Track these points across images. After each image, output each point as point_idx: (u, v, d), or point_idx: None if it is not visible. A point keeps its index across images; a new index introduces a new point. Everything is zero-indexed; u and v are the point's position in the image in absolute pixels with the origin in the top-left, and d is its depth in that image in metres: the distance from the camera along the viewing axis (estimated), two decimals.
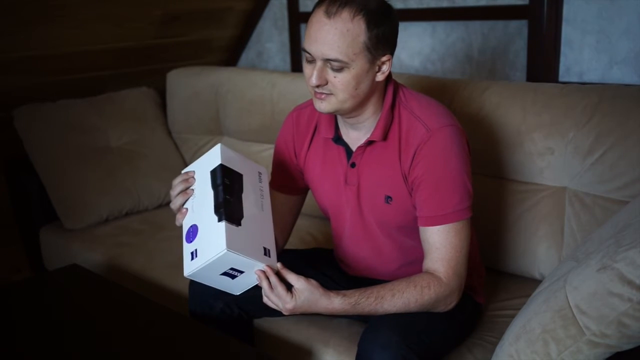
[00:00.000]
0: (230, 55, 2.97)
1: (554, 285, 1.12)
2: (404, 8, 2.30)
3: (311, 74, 1.24)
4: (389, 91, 1.34)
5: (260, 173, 1.34)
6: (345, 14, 1.19)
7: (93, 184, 2.27)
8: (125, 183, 2.34)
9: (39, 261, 2.36)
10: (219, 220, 1.18)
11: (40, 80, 2.38)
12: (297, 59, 2.73)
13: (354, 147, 1.38)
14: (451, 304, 1.30)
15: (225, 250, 1.14)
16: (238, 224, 1.20)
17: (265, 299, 1.26)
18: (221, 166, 1.24)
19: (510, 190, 1.70)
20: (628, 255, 0.98)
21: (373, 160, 1.36)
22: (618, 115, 1.52)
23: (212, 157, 1.27)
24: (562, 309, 1.04)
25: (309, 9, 2.73)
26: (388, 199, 1.35)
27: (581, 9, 1.91)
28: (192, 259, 1.20)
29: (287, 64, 2.80)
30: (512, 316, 1.25)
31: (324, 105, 1.27)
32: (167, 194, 2.43)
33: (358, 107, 1.30)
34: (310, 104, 1.47)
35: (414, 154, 1.29)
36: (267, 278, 1.23)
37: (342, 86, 1.23)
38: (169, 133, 2.60)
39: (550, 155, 1.61)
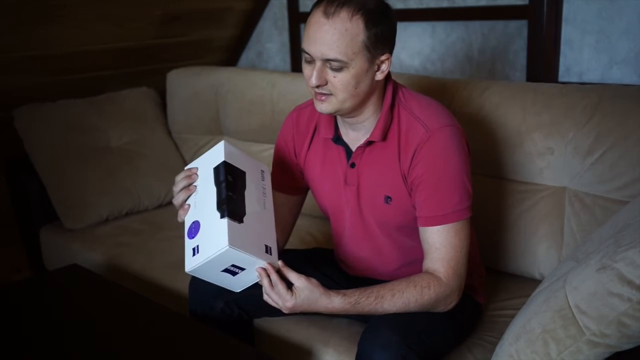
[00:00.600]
0: (230, 55, 2.97)
1: (554, 285, 1.13)
2: (404, 8, 2.30)
3: (311, 74, 1.24)
4: (388, 91, 1.34)
5: (262, 171, 1.35)
6: (344, 14, 1.19)
7: (93, 184, 2.27)
8: (125, 183, 2.34)
9: (39, 261, 2.36)
10: (221, 216, 1.18)
11: (40, 80, 2.38)
12: (297, 59, 2.73)
13: (353, 148, 1.38)
14: (451, 304, 1.30)
15: (227, 247, 1.14)
16: (240, 221, 1.20)
17: (265, 297, 1.26)
18: (224, 163, 1.24)
19: (510, 190, 1.70)
20: (628, 255, 0.98)
21: (372, 161, 1.36)
22: (618, 115, 1.52)
23: (216, 154, 1.27)
24: (562, 308, 1.05)
25: (309, 9, 2.72)
26: (388, 199, 1.35)
27: (581, 9, 1.91)
28: (194, 254, 1.20)
29: (287, 64, 2.80)
30: (512, 316, 1.25)
31: (324, 107, 1.27)
32: (167, 194, 2.43)
33: (358, 107, 1.30)
34: (310, 104, 1.47)
35: (414, 154, 1.29)
36: (268, 276, 1.23)
37: (341, 86, 1.23)
38: (169, 133, 2.60)
39: (550, 155, 1.61)
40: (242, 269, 1.22)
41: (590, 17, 1.90)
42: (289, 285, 1.25)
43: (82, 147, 2.30)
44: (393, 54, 1.40)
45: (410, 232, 1.37)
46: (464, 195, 1.28)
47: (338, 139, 1.40)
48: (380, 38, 1.22)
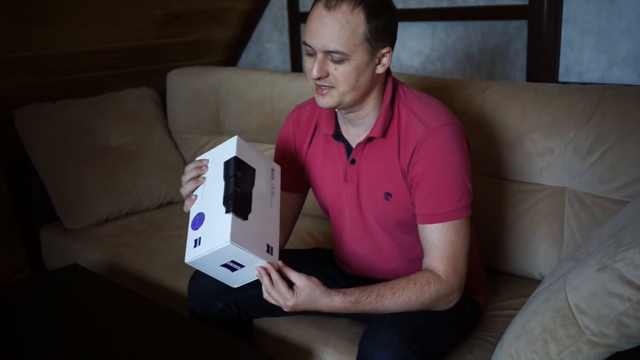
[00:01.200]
0: (230, 55, 2.97)
1: (554, 285, 1.13)
2: (404, 8, 2.30)
3: (312, 66, 1.24)
4: (388, 87, 1.34)
5: (273, 170, 1.35)
6: (345, 7, 1.20)
7: (93, 184, 2.27)
8: (125, 183, 2.34)
9: (39, 261, 2.36)
10: (226, 211, 1.18)
11: (40, 80, 2.38)
12: (297, 59, 2.73)
13: (353, 144, 1.39)
14: (452, 302, 1.31)
15: (228, 243, 1.14)
16: (245, 217, 1.20)
17: (265, 295, 1.26)
18: (235, 158, 1.24)
19: (510, 190, 1.70)
20: (628, 255, 0.98)
21: (372, 157, 1.36)
22: (618, 115, 1.52)
23: (228, 149, 1.28)
24: (561, 308, 1.05)
25: (309, 8, 2.73)
26: (387, 195, 1.35)
27: (581, 9, 1.91)
28: (195, 246, 1.20)
29: (287, 64, 2.80)
30: (512, 316, 1.25)
31: (325, 100, 1.28)
32: (167, 194, 2.44)
33: (359, 101, 1.30)
34: (310, 102, 1.48)
35: (413, 152, 1.29)
36: (268, 274, 1.23)
37: (343, 78, 1.24)
38: (169, 133, 2.60)
39: (550, 155, 1.61)
40: (242, 266, 1.22)
41: (590, 17, 1.90)
42: (290, 284, 1.25)
43: (82, 147, 2.31)
44: (393, 54, 1.40)
45: (409, 230, 1.37)
46: (464, 193, 1.28)
47: (338, 136, 1.41)
48: (381, 31, 1.23)
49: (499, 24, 2.11)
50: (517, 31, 2.08)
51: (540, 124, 1.62)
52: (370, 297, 1.26)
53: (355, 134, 1.39)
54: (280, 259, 1.27)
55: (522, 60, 2.09)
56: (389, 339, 1.20)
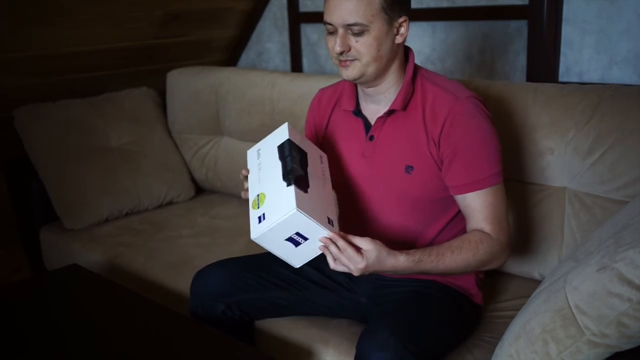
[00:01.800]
0: (230, 55, 2.97)
1: (554, 285, 1.13)
2: None
3: (334, 43, 1.30)
4: (410, 63, 1.39)
5: (321, 156, 1.40)
6: None
7: (93, 184, 2.27)
8: (125, 183, 2.34)
9: (39, 261, 2.36)
10: (288, 184, 1.22)
11: (40, 80, 2.38)
12: (297, 59, 2.73)
13: (372, 121, 1.41)
14: (504, 259, 1.36)
15: (295, 210, 1.16)
16: (305, 191, 1.23)
17: (333, 265, 1.24)
18: (289, 141, 1.30)
19: (510, 190, 1.69)
20: (627, 255, 0.98)
21: (393, 131, 1.38)
22: (618, 115, 1.52)
23: (279, 135, 1.34)
24: (561, 308, 1.05)
25: (309, 9, 2.75)
26: (409, 168, 1.37)
27: (581, 9, 1.91)
28: (260, 222, 1.21)
29: (287, 64, 2.80)
30: (512, 317, 1.25)
31: (349, 72, 1.32)
32: (167, 194, 2.44)
33: (380, 73, 1.35)
34: (333, 85, 1.54)
35: (444, 122, 1.32)
36: (334, 244, 1.22)
37: (364, 49, 1.29)
38: (169, 133, 2.60)
39: (550, 155, 1.61)
40: (305, 239, 1.23)
41: (590, 17, 1.90)
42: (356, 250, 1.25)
43: (82, 147, 2.30)
44: None
45: (425, 207, 1.40)
46: (498, 159, 1.35)
47: (358, 112, 1.44)
48: (396, 0, 1.29)
49: (499, 24, 2.11)
50: (517, 31, 2.08)
51: (540, 124, 1.62)
52: (432, 257, 1.28)
53: (375, 110, 1.41)
54: None
55: (522, 60, 2.09)
56: (386, 340, 1.20)
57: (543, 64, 2.00)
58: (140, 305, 1.49)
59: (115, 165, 2.34)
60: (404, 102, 1.36)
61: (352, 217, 1.48)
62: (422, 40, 2.31)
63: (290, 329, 1.53)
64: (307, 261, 1.28)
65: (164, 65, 2.67)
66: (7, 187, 2.43)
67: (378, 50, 1.30)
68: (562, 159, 1.59)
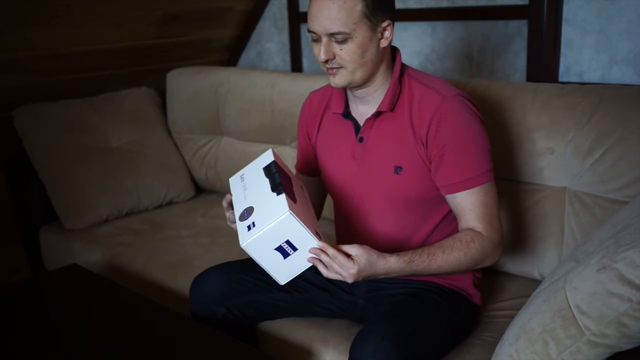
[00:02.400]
0: (230, 55, 2.97)
1: (554, 285, 1.12)
2: (404, 8, 2.30)
3: (319, 51, 1.30)
4: (397, 63, 1.38)
5: (301, 186, 1.40)
6: None
7: (93, 184, 2.27)
8: (125, 183, 2.34)
9: (39, 261, 2.36)
10: (278, 194, 1.22)
11: (40, 80, 2.38)
12: (297, 59, 2.73)
13: (362, 122, 1.41)
14: (498, 256, 1.35)
15: (288, 213, 1.16)
16: (294, 202, 1.23)
17: (326, 273, 1.24)
18: (274, 162, 1.31)
19: (510, 190, 1.70)
20: (628, 255, 0.98)
21: (382, 132, 1.38)
22: (618, 115, 1.52)
23: (264, 159, 1.35)
24: (562, 309, 1.04)
25: None
26: (398, 169, 1.36)
27: (581, 9, 1.91)
28: (249, 230, 1.21)
29: (287, 64, 2.80)
30: (512, 316, 1.25)
31: (337, 80, 1.33)
32: (167, 194, 2.44)
33: (368, 77, 1.34)
34: (323, 87, 1.54)
35: (431, 121, 1.32)
36: (324, 253, 1.22)
37: (349, 57, 1.28)
38: (169, 133, 2.60)
39: (550, 155, 1.61)
40: (295, 250, 1.22)
41: (590, 17, 1.90)
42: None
43: (82, 147, 2.30)
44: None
45: (415, 207, 1.39)
46: (488, 156, 1.34)
47: (348, 115, 1.44)
48: (378, 5, 1.28)
49: (499, 24, 2.11)
50: (517, 31, 2.08)
51: (540, 124, 1.62)
52: (423, 257, 1.28)
53: (364, 111, 1.41)
54: None
55: (522, 60, 2.09)
56: (378, 345, 1.20)
57: (543, 64, 2.00)
58: (140, 305, 1.49)
59: (115, 165, 2.34)
60: (391, 103, 1.36)
61: (344, 219, 1.48)
62: (422, 40, 2.31)
63: (290, 329, 1.53)
64: (293, 277, 1.28)
65: (164, 65, 2.67)
66: (7, 187, 2.43)
67: (362, 57, 1.29)
68: (562, 159, 1.59)
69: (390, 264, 1.25)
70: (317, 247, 1.22)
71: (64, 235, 2.23)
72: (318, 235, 1.24)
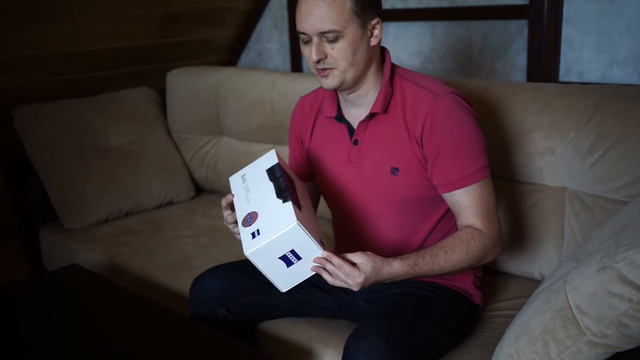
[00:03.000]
0: (230, 55, 2.97)
1: (554, 286, 1.12)
2: (404, 8, 2.30)
3: (310, 52, 1.29)
4: (387, 64, 1.38)
5: (303, 187, 1.39)
6: None
7: (93, 184, 2.27)
8: (125, 183, 2.34)
9: (39, 261, 2.36)
10: (284, 201, 1.20)
11: (40, 80, 2.37)
12: (297, 59, 2.73)
13: (355, 125, 1.41)
14: (498, 252, 1.36)
15: (295, 223, 1.15)
16: (300, 209, 1.22)
17: (331, 281, 1.24)
18: (278, 164, 1.30)
19: (510, 190, 1.70)
20: (628, 256, 0.98)
21: (376, 134, 1.38)
22: (618, 115, 1.52)
23: (267, 160, 1.33)
24: (562, 309, 1.04)
25: None
26: (394, 170, 1.36)
27: (581, 9, 1.91)
28: (253, 237, 1.19)
29: (287, 64, 2.80)
30: (512, 316, 1.25)
31: (329, 81, 1.32)
32: (167, 194, 2.44)
33: (359, 78, 1.34)
34: (313, 91, 1.53)
35: (425, 120, 1.32)
36: (329, 262, 1.22)
37: (340, 55, 1.28)
38: (169, 133, 2.60)
39: (550, 156, 1.61)
40: (299, 259, 1.21)
41: (591, 17, 1.90)
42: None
43: (82, 147, 2.30)
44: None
45: (413, 208, 1.39)
46: (483, 152, 1.34)
47: (341, 118, 1.43)
48: (367, 3, 1.28)
49: (499, 24, 2.11)
50: (517, 31, 2.08)
51: (541, 124, 1.62)
52: (426, 259, 1.28)
53: (357, 114, 1.41)
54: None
55: (522, 60, 2.09)
56: (372, 345, 1.20)
57: (543, 64, 2.00)
58: (140, 305, 1.49)
59: (115, 165, 2.34)
60: (384, 105, 1.36)
61: (342, 222, 1.48)
62: (422, 40, 2.31)
63: (290, 329, 1.53)
64: (294, 285, 1.27)
65: (164, 65, 2.67)
66: (7, 187, 2.42)
67: (354, 56, 1.29)
68: (562, 159, 1.59)
69: (395, 268, 1.25)
70: (322, 256, 1.21)
71: (64, 235, 2.23)
72: (322, 243, 1.24)
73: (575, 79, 1.98)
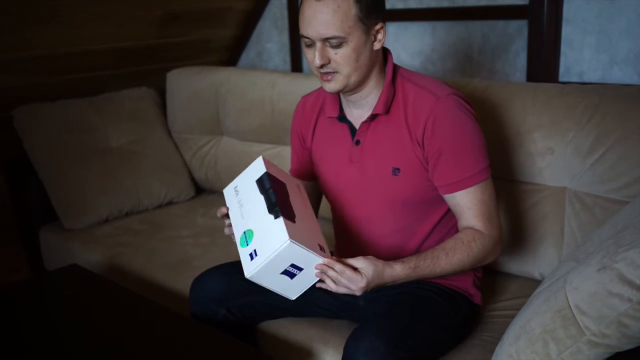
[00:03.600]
0: (230, 55, 2.97)
1: (554, 285, 1.12)
2: (404, 8, 2.30)
3: (313, 56, 1.29)
4: (389, 65, 1.38)
5: (298, 185, 1.39)
6: None
7: (93, 184, 2.27)
8: (125, 183, 2.34)
9: (39, 261, 2.36)
10: (276, 217, 1.20)
11: (40, 80, 2.38)
12: (297, 59, 2.73)
13: (357, 125, 1.41)
14: (498, 253, 1.37)
15: (288, 241, 1.15)
16: (293, 221, 1.22)
17: (334, 288, 1.24)
18: (267, 174, 1.28)
19: (510, 190, 1.70)
20: (628, 256, 0.98)
21: (378, 135, 1.38)
22: (618, 115, 1.52)
23: (255, 169, 1.32)
24: (562, 309, 1.04)
25: None
26: (396, 170, 1.36)
27: (581, 9, 1.91)
28: (252, 259, 1.19)
29: (287, 64, 2.80)
30: (512, 316, 1.25)
31: (332, 85, 1.32)
32: (167, 194, 2.44)
33: (362, 81, 1.34)
34: (315, 91, 1.53)
35: (427, 121, 1.32)
36: (331, 268, 1.22)
37: (344, 60, 1.28)
38: (169, 133, 2.60)
39: (550, 156, 1.61)
40: (301, 269, 1.22)
41: (591, 17, 1.90)
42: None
43: (82, 147, 2.30)
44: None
45: (414, 208, 1.39)
46: (484, 154, 1.35)
47: (343, 118, 1.43)
48: (371, 8, 1.27)
49: (499, 24, 2.11)
50: (517, 31, 2.08)
51: (541, 124, 1.62)
52: (427, 261, 1.28)
53: (359, 115, 1.41)
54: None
55: (522, 60, 2.09)
56: (371, 345, 1.20)
57: (543, 64, 2.00)
58: (140, 305, 1.49)
59: (115, 165, 2.34)
60: (386, 106, 1.36)
61: (343, 222, 1.48)
62: (422, 40, 2.31)
63: (290, 329, 1.53)
64: (303, 291, 1.28)
65: (164, 65, 2.67)
66: (7, 187, 2.42)
67: (357, 61, 1.29)
68: (562, 159, 1.59)
69: (397, 271, 1.26)
70: (322, 263, 1.21)
71: (64, 235, 2.23)
72: (322, 248, 1.24)
73: (575, 79, 1.98)
